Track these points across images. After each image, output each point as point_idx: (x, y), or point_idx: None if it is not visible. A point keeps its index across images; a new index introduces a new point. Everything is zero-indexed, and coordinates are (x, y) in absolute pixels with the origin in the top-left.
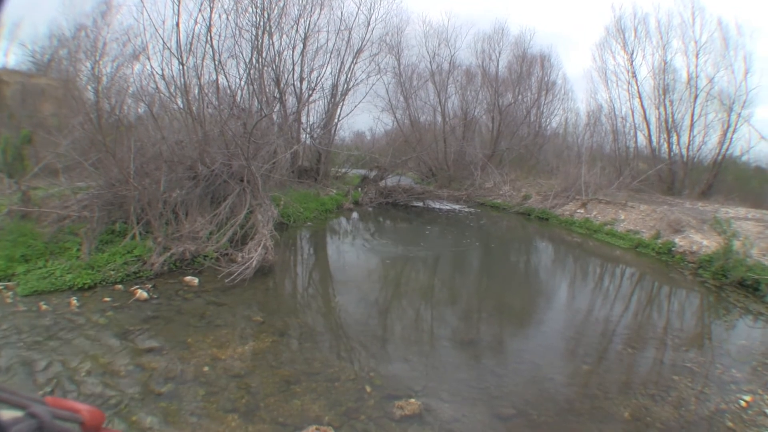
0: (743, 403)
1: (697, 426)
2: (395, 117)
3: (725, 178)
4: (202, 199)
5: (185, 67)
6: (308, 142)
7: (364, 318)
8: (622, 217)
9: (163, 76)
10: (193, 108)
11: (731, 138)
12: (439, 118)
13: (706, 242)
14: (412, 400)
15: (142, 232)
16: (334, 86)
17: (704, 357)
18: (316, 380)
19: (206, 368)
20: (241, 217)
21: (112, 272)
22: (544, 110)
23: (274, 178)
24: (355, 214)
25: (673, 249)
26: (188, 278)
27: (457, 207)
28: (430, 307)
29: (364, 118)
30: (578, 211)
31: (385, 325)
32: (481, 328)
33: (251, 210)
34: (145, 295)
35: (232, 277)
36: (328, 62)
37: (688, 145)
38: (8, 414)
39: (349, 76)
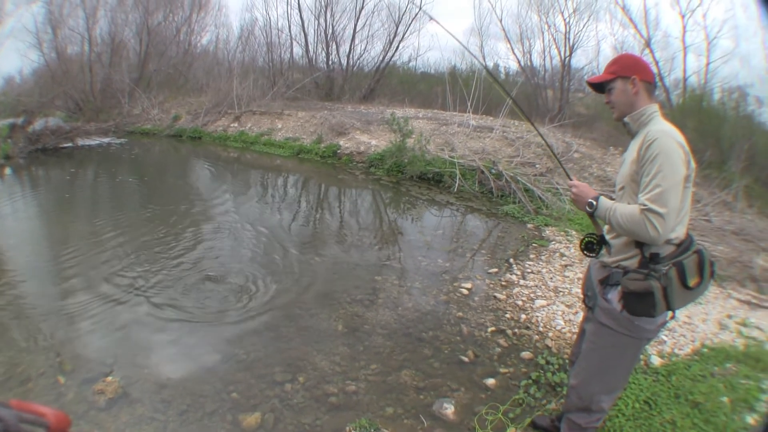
0: (465, 291)
1: (423, 323)
2: (42, 51)
3: (389, 83)
4: None
5: None
6: None
7: (35, 291)
8: (280, 126)
9: None
10: None
11: (398, 47)
12: (88, 47)
13: (374, 142)
14: (110, 378)
15: None
16: None
17: (402, 252)
18: (11, 388)
19: None
20: None
21: None
22: (196, 27)
23: None
24: (8, 170)
25: (338, 151)
26: None
27: (107, 140)
28: (93, 257)
29: (15, 59)
30: (232, 125)
31: (56, 291)
32: (144, 268)
33: None
34: None
35: None
36: None
37: (349, 53)
38: None
39: None
